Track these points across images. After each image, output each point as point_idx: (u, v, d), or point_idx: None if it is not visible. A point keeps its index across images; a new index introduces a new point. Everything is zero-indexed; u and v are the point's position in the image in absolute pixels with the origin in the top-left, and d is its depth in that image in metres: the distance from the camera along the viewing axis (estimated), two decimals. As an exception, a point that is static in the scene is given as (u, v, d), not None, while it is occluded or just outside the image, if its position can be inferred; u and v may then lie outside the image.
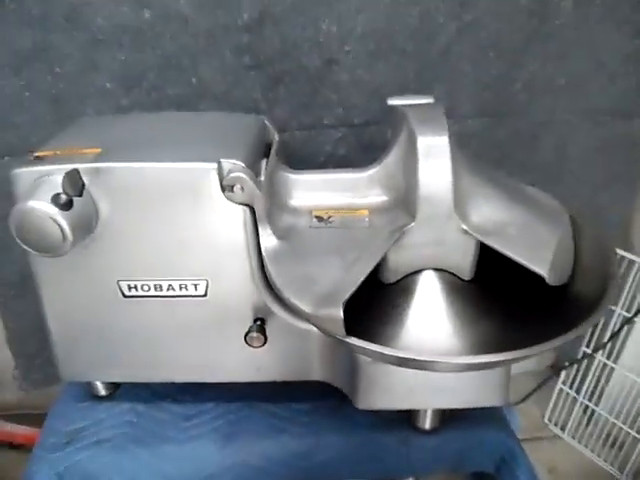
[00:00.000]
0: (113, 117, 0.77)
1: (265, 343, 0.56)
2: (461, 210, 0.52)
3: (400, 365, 0.46)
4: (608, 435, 1.18)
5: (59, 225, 0.48)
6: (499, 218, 0.53)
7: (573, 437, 1.23)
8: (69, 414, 0.65)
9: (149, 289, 0.56)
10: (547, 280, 0.49)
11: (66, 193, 0.47)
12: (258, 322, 0.57)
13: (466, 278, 0.56)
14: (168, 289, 0.56)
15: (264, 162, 0.58)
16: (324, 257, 0.51)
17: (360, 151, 0.95)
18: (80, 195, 0.48)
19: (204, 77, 0.86)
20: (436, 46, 0.87)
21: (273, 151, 0.61)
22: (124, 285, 0.56)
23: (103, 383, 0.66)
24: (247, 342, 0.56)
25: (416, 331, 0.51)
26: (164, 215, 0.53)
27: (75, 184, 0.47)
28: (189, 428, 0.63)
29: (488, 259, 0.54)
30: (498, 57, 0.88)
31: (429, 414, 0.61)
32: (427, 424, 0.62)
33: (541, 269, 0.49)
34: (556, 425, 1.25)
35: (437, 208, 0.52)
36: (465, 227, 0.52)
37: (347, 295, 0.44)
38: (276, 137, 0.66)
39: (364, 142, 0.95)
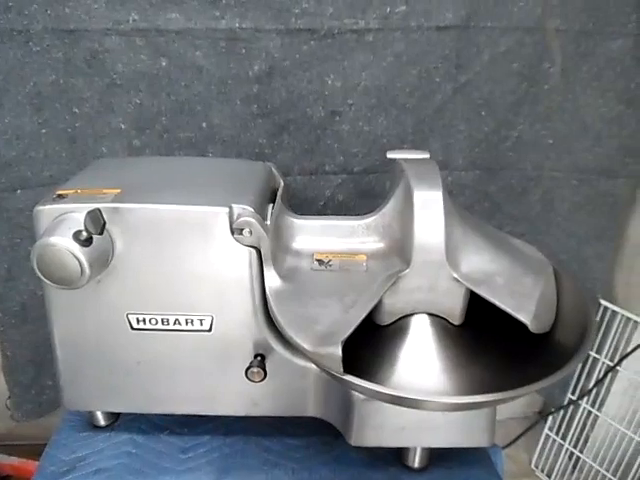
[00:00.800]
0: (130, 159, 0.81)
1: (265, 378, 0.59)
2: (452, 259, 0.56)
3: (392, 403, 0.49)
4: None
5: (78, 260, 0.51)
6: (487, 268, 0.58)
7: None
8: (69, 443, 0.67)
9: (157, 323, 0.59)
10: (530, 328, 0.53)
11: (87, 231, 0.51)
12: (259, 357, 0.60)
13: (456, 323, 0.59)
14: (175, 323, 0.59)
15: (270, 207, 0.63)
16: (324, 299, 0.54)
17: (358, 197, 1.00)
18: (101, 233, 0.51)
19: (214, 122, 0.91)
20: (433, 103, 0.93)
21: (279, 197, 0.66)
22: (133, 318, 0.59)
23: (103, 413, 0.68)
24: (248, 377, 0.59)
25: (408, 371, 0.54)
26: (175, 253, 0.56)
27: (97, 222, 0.51)
28: (186, 460, 0.65)
29: (477, 306, 0.58)
30: (490, 116, 0.94)
31: (418, 452, 0.63)
32: (416, 462, 0.64)
33: (525, 318, 0.53)
34: (542, 471, 1.26)
35: (430, 257, 0.56)
36: (456, 275, 0.56)
37: (345, 335, 0.47)
38: (281, 183, 0.70)
39: (362, 189, 1.00)
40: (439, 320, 0.59)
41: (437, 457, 0.65)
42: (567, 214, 1.03)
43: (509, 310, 0.53)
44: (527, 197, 1.02)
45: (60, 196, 0.57)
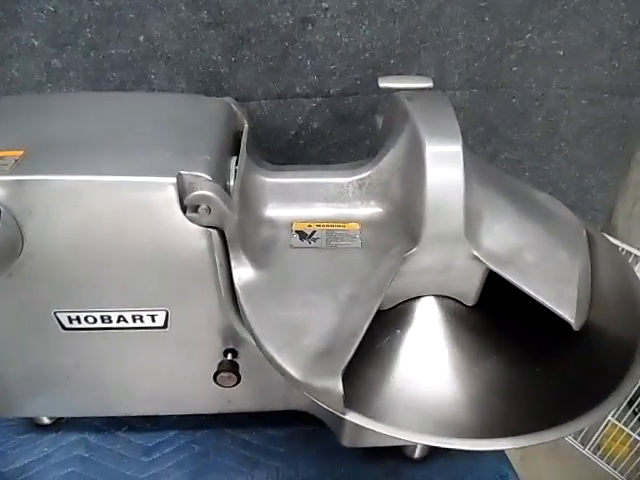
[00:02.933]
0: (40, 98, 0.62)
1: (238, 383, 0.48)
2: (472, 233, 0.44)
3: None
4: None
5: (-30, 261, 0.37)
6: (513, 240, 0.46)
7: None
8: (7, 450, 0.56)
9: (95, 321, 0.46)
10: (573, 327, 0.42)
11: (-24, 222, 0.36)
12: (229, 355, 0.49)
13: (469, 304, 0.49)
14: (119, 320, 0.46)
15: (233, 162, 0.48)
16: (312, 293, 0.42)
17: (335, 124, 0.85)
18: (-5, 226, 0.36)
19: (154, 35, 0.72)
20: (426, 7, 0.75)
21: (243, 146, 0.50)
22: (63, 317, 0.46)
23: (45, 413, 0.57)
24: (217, 382, 0.48)
25: (412, 375, 0.44)
26: (109, 237, 0.42)
27: (-13, 211, 0.36)
28: (149, 464, 0.55)
29: (492, 279, 0.47)
30: (494, 22, 0.78)
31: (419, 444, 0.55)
32: (416, 453, 0.56)
33: (566, 312, 0.42)
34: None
35: (445, 231, 0.43)
36: (476, 253, 0.44)
37: (346, 360, 0.35)
38: (246, 125, 0.55)
39: (340, 114, 0.84)
40: (448, 302, 0.48)
41: (439, 443, 0.57)
42: (572, 139, 0.91)
43: (548, 304, 0.42)
44: (529, 119, 0.89)
45: (-64, 163, 0.41)
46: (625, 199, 0.98)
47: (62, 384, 0.51)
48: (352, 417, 0.35)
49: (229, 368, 0.47)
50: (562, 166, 0.93)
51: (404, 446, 0.56)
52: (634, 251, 0.95)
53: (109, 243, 0.42)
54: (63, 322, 0.46)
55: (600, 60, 0.83)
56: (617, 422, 1.12)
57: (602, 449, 1.17)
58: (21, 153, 0.42)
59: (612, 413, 1.11)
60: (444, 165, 0.43)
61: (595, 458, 1.18)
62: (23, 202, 0.40)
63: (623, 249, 0.97)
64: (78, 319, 0.46)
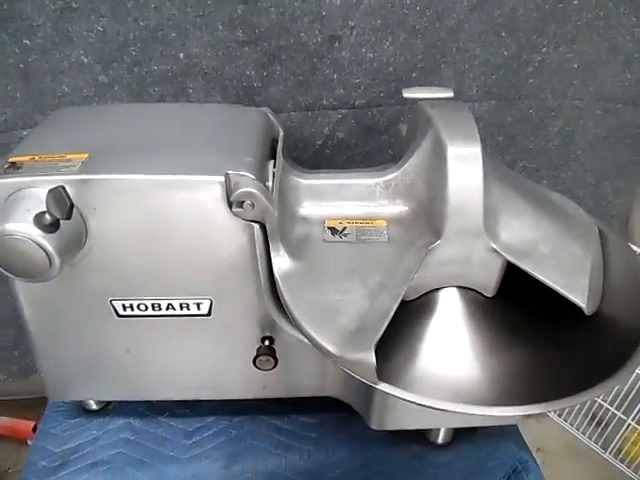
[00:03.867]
0: (97, 109, 0.69)
1: (275, 366, 0.52)
2: (491, 227, 0.48)
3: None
4: (594, 415, 1.20)
5: (44, 250, 0.42)
6: (529, 234, 0.50)
7: (559, 416, 1.25)
8: (59, 433, 0.60)
9: (146, 308, 0.51)
10: (585, 311, 0.46)
11: (51, 214, 0.41)
12: (266, 342, 0.53)
13: (489, 295, 0.52)
14: (168, 308, 0.51)
15: (271, 164, 0.53)
16: (344, 281, 0.46)
17: (360, 134, 0.89)
18: (68, 218, 0.42)
19: (192, 52, 0.77)
20: (446, 24, 0.80)
21: (279, 151, 0.55)
22: (118, 304, 0.51)
23: (94, 398, 0.61)
24: (257, 366, 0.52)
25: (437, 358, 0.48)
26: (161, 230, 0.47)
27: (62, 204, 0.41)
28: (191, 447, 0.59)
29: (511, 271, 0.51)
30: (510, 37, 0.82)
31: (443, 429, 0.59)
32: (440, 439, 0.60)
33: (579, 299, 0.45)
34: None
35: (466, 226, 0.47)
36: (495, 246, 0.48)
37: (378, 336, 0.40)
38: (281, 133, 0.60)
39: (364, 124, 0.89)
40: (469, 293, 0.52)
41: (462, 430, 0.60)
42: (587, 147, 0.94)
43: (560, 290, 0.46)
44: (545, 129, 0.93)
45: (14, 165, 0.46)
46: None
47: (113, 369, 0.55)
48: (383, 387, 0.39)
49: (267, 352, 0.51)
50: (578, 174, 0.96)
51: (428, 431, 0.60)
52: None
53: (163, 237, 0.47)
54: (118, 309, 0.51)
55: (613, 72, 0.87)
56: (638, 426, 1.13)
57: (623, 453, 1.18)
58: (86, 156, 0.47)
59: (632, 416, 1.12)
60: (465, 165, 0.47)
61: (616, 462, 1.18)
62: (88, 199, 0.45)
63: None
64: (131, 307, 0.51)
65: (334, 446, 0.59)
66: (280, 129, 0.60)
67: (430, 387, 0.44)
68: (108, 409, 0.63)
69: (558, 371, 0.45)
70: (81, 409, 0.63)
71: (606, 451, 1.19)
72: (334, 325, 0.42)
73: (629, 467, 1.17)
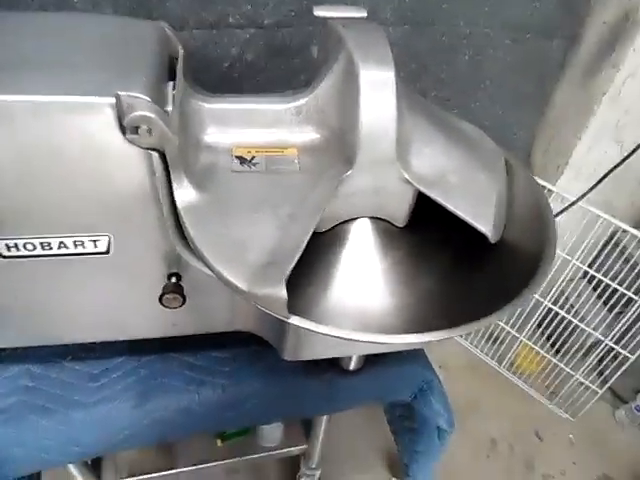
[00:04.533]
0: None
1: (183, 304, 0.50)
2: (403, 156, 0.47)
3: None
4: (491, 333, 1.31)
5: None
6: (440, 164, 0.50)
7: (460, 336, 1.35)
8: (-53, 383, 0.55)
9: (34, 248, 0.46)
10: (490, 239, 0.47)
11: None
12: (173, 278, 0.50)
13: (400, 225, 0.53)
14: (60, 247, 0.46)
15: (170, 86, 0.48)
16: (253, 213, 0.44)
17: (270, 56, 0.84)
18: None
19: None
20: (360, -63, 0.75)
21: (179, 71, 0.50)
22: (1, 245, 0.45)
23: (-16, 345, 0.56)
24: (163, 304, 0.49)
25: (348, 288, 0.48)
26: (44, 160, 0.41)
27: None
28: (97, 389, 0.57)
29: (421, 202, 0.51)
30: (426, -44, 0.79)
31: (354, 356, 0.60)
32: (352, 365, 0.61)
33: (485, 227, 0.47)
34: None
35: (378, 154, 0.46)
36: (407, 176, 0.47)
37: (288, 270, 0.38)
38: (181, 50, 0.54)
39: (275, 46, 0.84)
40: (381, 223, 0.52)
41: (372, 356, 0.62)
42: (496, 77, 0.95)
43: (467, 218, 0.47)
44: (456, 58, 0.93)
45: None
46: (542, 137, 1.05)
47: (4, 314, 0.50)
48: (295, 320, 0.39)
49: (174, 289, 0.49)
50: (486, 104, 0.98)
51: (340, 359, 0.61)
52: (550, 187, 1.03)
53: (45, 167, 0.42)
54: (1, 250, 0.46)
55: (524, 2, 0.87)
56: (528, 342, 1.25)
57: (514, 366, 1.31)
58: (-57, 71, 0.39)
59: (524, 333, 1.23)
60: (378, 91, 0.45)
61: (508, 374, 1.31)
62: (-51, 121, 0.38)
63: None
64: (16, 246, 0.45)
65: (248, 378, 0.59)
66: (180, 46, 0.54)
67: (342, 318, 0.44)
68: (2, 355, 0.58)
69: (464, 297, 0.46)
70: (-30, 358, 0.57)
71: (500, 365, 1.31)
72: (243, 260, 0.40)
73: (520, 378, 1.30)
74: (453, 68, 0.94)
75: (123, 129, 0.41)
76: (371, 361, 0.62)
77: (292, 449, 0.91)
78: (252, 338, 0.57)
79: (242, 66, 0.84)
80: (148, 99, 0.41)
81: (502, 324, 1.25)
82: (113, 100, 0.40)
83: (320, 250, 0.50)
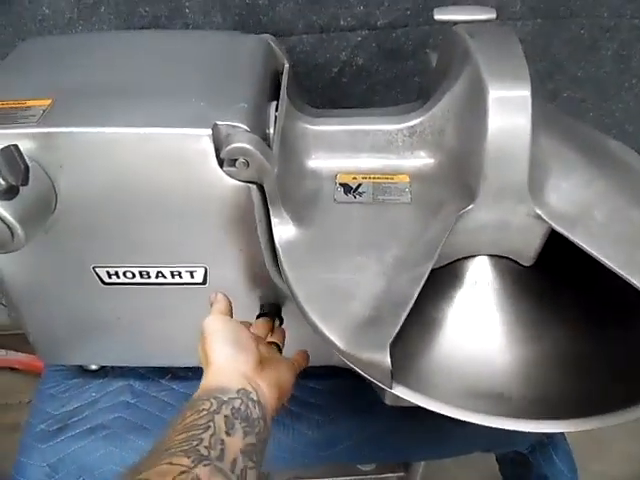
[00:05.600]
0: (71, 39, 0.59)
1: (281, 325, 0.47)
2: (536, 188, 0.40)
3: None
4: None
5: (2, 220, 0.35)
6: (581, 197, 0.41)
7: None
8: (58, 394, 0.58)
9: (133, 276, 0.45)
10: (646, 295, 0.38)
11: (5, 179, 0.34)
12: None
13: (527, 264, 0.45)
14: (157, 276, 0.45)
15: (273, 107, 0.44)
16: (357, 256, 0.39)
17: (383, 59, 0.78)
18: (25, 183, 0.35)
19: (186, -36, 0.66)
20: None
21: (283, 90, 0.46)
22: (102, 272, 0.45)
23: (92, 359, 0.58)
24: None
25: (461, 341, 0.41)
26: (143, 192, 0.40)
27: (15, 167, 0.34)
28: (192, 413, 0.56)
29: (554, 236, 0.43)
30: (566, -62, 0.68)
31: (464, 403, 0.54)
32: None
33: (638, 279, 0.38)
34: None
35: (506, 186, 0.39)
36: (540, 212, 0.40)
37: (394, 332, 0.33)
38: (286, 65, 0.50)
39: (387, 49, 0.77)
40: (503, 262, 0.45)
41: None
42: (645, 75, 0.81)
43: (618, 270, 0.38)
44: (597, 53, 0.80)
45: (-35, 113, 0.39)
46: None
47: (105, 335, 0.51)
48: (399, 391, 0.33)
49: (271, 310, 0.46)
50: (631, 106, 0.85)
51: (448, 405, 0.55)
52: None
53: (143, 198, 0.40)
54: (102, 277, 0.45)
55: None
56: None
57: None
58: (49, 102, 0.39)
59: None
60: (509, 112, 0.38)
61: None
62: (53, 155, 0.38)
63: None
64: (117, 274, 0.45)
65: (344, 416, 0.55)
66: (285, 61, 0.50)
67: (451, 381, 0.38)
68: (107, 369, 0.59)
69: (606, 363, 0.38)
70: (80, 369, 0.59)
71: None
72: (343, 313, 0.36)
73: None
74: (592, 65, 0.81)
75: (220, 161, 0.38)
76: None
77: (389, 475, 0.86)
78: (351, 372, 0.53)
79: (352, 70, 0.79)
80: (247, 128, 0.38)
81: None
82: (210, 131, 0.37)
83: (429, 291, 0.43)
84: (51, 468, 0.53)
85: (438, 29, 0.73)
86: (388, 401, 0.50)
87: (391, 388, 0.33)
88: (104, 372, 0.59)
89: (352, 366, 0.35)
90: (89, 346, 0.53)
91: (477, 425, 0.55)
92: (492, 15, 0.48)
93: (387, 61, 0.78)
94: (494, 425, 0.33)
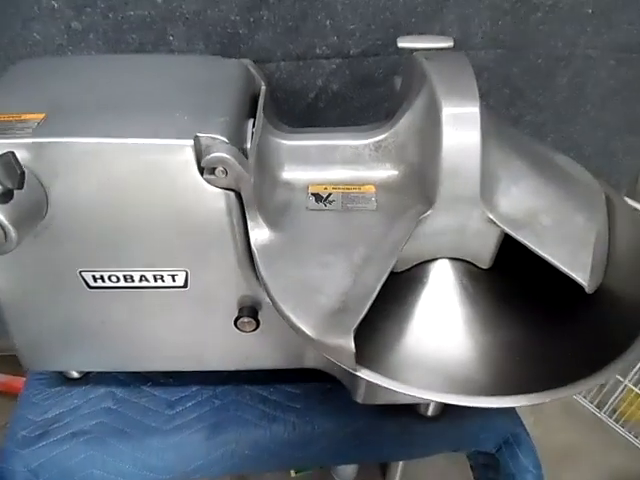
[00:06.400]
0: (61, 61, 0.63)
1: (257, 327, 0.50)
2: (488, 195, 0.44)
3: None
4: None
5: (-2, 221, 0.38)
6: (530, 203, 0.46)
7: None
8: (40, 401, 0.59)
9: (118, 280, 0.48)
10: (586, 290, 0.42)
11: (2, 183, 0.37)
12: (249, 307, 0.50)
13: (484, 267, 0.49)
14: (141, 280, 0.48)
15: (250, 124, 0.48)
16: (327, 255, 0.43)
17: (356, 86, 0.84)
18: (20, 187, 0.38)
19: (172, -5, 0.71)
20: (450, -37, 0.73)
21: (260, 108, 0.51)
22: (88, 276, 0.48)
23: (74, 367, 0.60)
24: (238, 327, 0.50)
25: (425, 334, 0.45)
26: (128, 199, 0.43)
27: (12, 172, 0.37)
28: (173, 417, 0.58)
29: (508, 242, 0.47)
30: (521, -23, 0.75)
31: (432, 403, 0.57)
32: (430, 411, 0.58)
33: (580, 276, 0.42)
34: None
35: (460, 193, 0.43)
36: (492, 216, 0.44)
37: (358, 319, 0.36)
38: (263, 87, 0.55)
39: (360, 75, 0.83)
40: (463, 265, 0.49)
41: (452, 402, 0.58)
42: (598, 101, 0.88)
43: (561, 266, 0.42)
44: (554, 81, 0.86)
45: (-37, 126, 0.42)
46: (651, 163, 0.95)
47: (89, 341, 0.53)
48: (363, 374, 0.37)
49: (248, 313, 0.49)
50: (587, 129, 0.91)
51: (418, 404, 0.58)
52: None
53: (130, 204, 0.44)
54: (88, 281, 0.48)
55: (630, 19, 0.80)
56: (633, 387, 1.12)
57: (617, 413, 1.18)
58: (43, 116, 0.43)
59: (629, 377, 1.11)
60: (461, 127, 0.42)
61: (610, 422, 1.19)
62: (48, 165, 0.41)
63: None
64: (102, 278, 0.48)
65: (320, 417, 0.58)
66: (263, 83, 0.55)
67: (418, 368, 0.42)
68: (89, 377, 0.61)
69: (557, 352, 0.42)
70: (62, 377, 0.61)
71: (601, 410, 1.19)
72: (313, 304, 0.39)
73: (623, 427, 1.17)
74: (550, 92, 0.88)
75: (201, 170, 0.41)
76: (451, 408, 0.58)
77: (367, 486, 0.88)
78: (325, 375, 0.56)
79: (327, 96, 0.84)
80: (226, 140, 0.41)
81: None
82: (192, 142, 0.40)
83: (396, 292, 0.47)
84: (32, 473, 0.54)
85: (405, 58, 0.79)
86: (359, 399, 0.53)
87: (355, 371, 0.37)
88: (86, 380, 0.61)
89: (321, 352, 0.38)
90: (73, 351, 0.54)
91: (445, 425, 0.58)
92: (449, 44, 0.53)
93: (360, 87, 0.84)
94: (454, 402, 0.36)
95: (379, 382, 0.36)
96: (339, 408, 0.58)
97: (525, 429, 0.60)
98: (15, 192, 0.38)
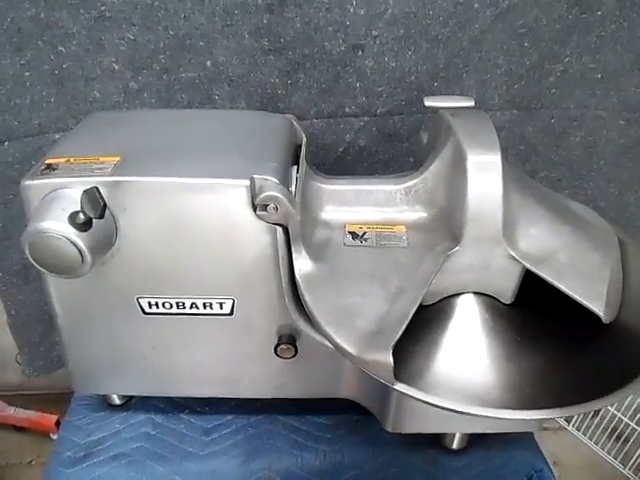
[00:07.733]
0: (129, 114, 0.71)
1: (296, 354, 0.53)
2: (509, 234, 0.49)
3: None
4: (614, 429, 1.19)
5: (77, 247, 0.44)
6: (548, 243, 0.50)
7: (578, 429, 1.23)
8: (83, 425, 0.63)
9: (171, 307, 0.53)
10: (603, 320, 0.46)
11: (85, 213, 0.43)
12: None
13: (507, 302, 0.53)
14: (191, 307, 0.53)
15: (294, 170, 0.54)
16: (364, 285, 0.47)
17: (381, 141, 0.90)
18: (101, 217, 0.44)
19: (219, 60, 0.79)
20: (469, 33, 0.81)
21: (302, 157, 0.57)
22: (144, 302, 0.53)
23: (118, 393, 0.63)
24: (277, 354, 0.54)
25: (453, 362, 0.48)
26: (187, 231, 0.49)
27: (95, 204, 0.43)
28: (209, 443, 0.61)
29: (529, 279, 0.51)
30: (533, 47, 0.83)
31: (458, 435, 0.59)
32: (455, 444, 0.60)
33: (597, 307, 0.46)
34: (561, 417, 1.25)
35: (484, 232, 0.48)
36: (513, 253, 0.48)
37: (396, 337, 0.41)
38: (304, 138, 0.61)
39: (386, 132, 0.90)
40: (487, 299, 0.53)
41: (477, 436, 0.61)
42: (610, 158, 0.93)
43: (578, 298, 0.46)
44: (567, 139, 0.92)
45: (50, 167, 0.48)
46: (665, 217, 0.99)
47: (138, 365, 0.57)
48: (400, 387, 0.40)
49: (287, 340, 0.53)
50: (601, 184, 0.96)
51: (443, 436, 0.60)
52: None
53: (189, 237, 0.49)
54: (144, 307, 0.53)
55: (637, 82, 0.86)
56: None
57: (643, 469, 1.16)
58: (118, 159, 0.49)
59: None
60: (484, 173, 0.48)
61: (635, 478, 1.17)
62: (119, 200, 0.47)
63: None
64: (157, 304, 0.53)
65: (349, 448, 0.60)
66: (303, 135, 0.61)
67: (446, 390, 0.45)
68: (130, 404, 0.65)
69: (575, 378, 0.45)
70: (105, 403, 0.65)
71: (625, 467, 1.18)
72: (353, 326, 0.43)
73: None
74: (564, 149, 0.94)
75: (254, 207, 0.47)
76: (476, 442, 0.61)
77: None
78: (355, 407, 0.59)
79: (355, 150, 0.91)
80: (277, 181, 0.47)
81: (626, 419, 1.14)
82: (248, 182, 0.46)
83: (426, 323, 0.51)
84: (76, 493, 0.57)
85: (429, 117, 0.86)
86: (389, 427, 0.56)
87: (393, 384, 0.40)
88: (127, 406, 0.65)
89: (361, 367, 0.41)
90: (121, 376, 0.59)
91: (470, 458, 0.60)
92: (471, 103, 0.59)
93: (385, 143, 0.90)
94: (480, 413, 0.39)
95: (414, 394, 0.40)
96: (368, 439, 0.61)
97: (549, 465, 0.61)
98: (94, 222, 0.44)
